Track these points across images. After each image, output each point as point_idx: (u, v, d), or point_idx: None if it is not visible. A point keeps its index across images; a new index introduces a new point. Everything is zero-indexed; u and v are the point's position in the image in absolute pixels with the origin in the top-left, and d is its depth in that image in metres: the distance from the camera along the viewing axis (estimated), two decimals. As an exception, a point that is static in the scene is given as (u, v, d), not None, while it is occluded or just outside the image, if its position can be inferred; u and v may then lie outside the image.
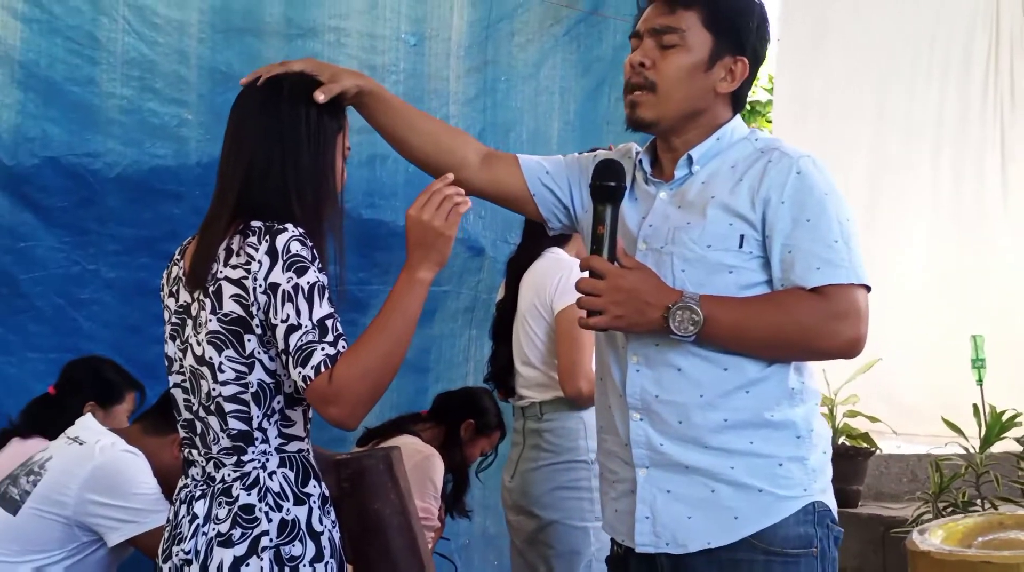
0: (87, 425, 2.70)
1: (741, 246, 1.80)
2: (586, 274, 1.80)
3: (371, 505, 2.25)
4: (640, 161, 1.95)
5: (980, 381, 3.95)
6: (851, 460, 3.95)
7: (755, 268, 1.81)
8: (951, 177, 4.89)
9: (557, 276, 2.92)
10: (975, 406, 3.75)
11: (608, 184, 1.82)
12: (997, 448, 3.80)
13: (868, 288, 1.79)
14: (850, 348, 1.78)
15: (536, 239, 2.95)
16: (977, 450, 3.66)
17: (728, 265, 1.80)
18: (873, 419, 4.04)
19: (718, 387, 1.80)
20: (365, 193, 3.71)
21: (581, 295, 1.80)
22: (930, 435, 4.28)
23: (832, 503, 1.87)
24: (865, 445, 3.98)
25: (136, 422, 2.93)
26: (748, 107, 9.09)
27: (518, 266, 3.09)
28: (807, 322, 1.76)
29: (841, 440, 3.98)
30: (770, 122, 6.27)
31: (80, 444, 2.62)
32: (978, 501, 3.50)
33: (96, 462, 2.56)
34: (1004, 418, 3.69)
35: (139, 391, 3.06)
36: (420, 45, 3.86)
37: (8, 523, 2.53)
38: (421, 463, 3.07)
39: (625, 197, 1.90)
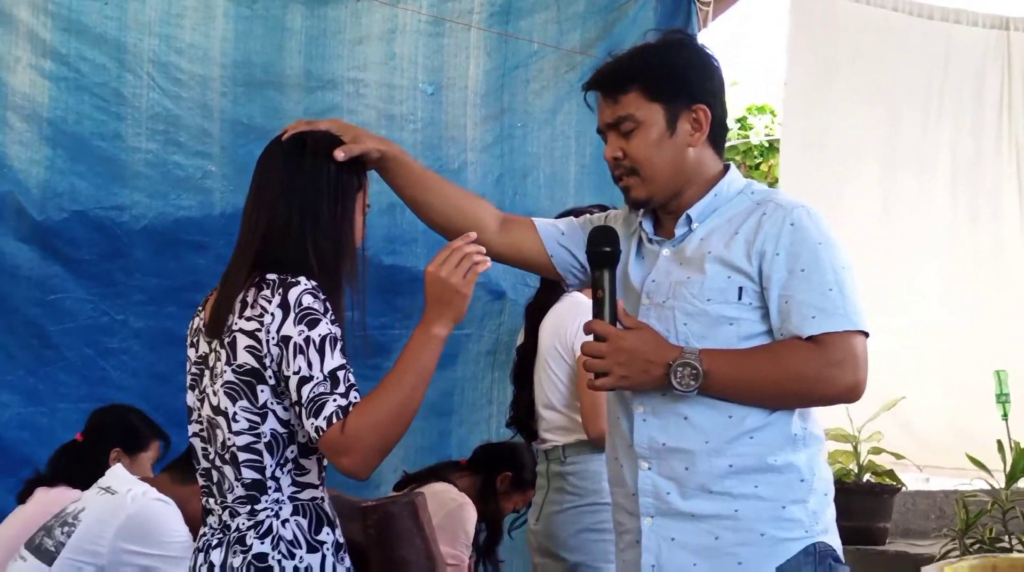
0: (118, 475, 2.74)
1: (740, 298, 1.85)
2: (590, 337, 1.86)
3: (397, 552, 2.28)
4: (641, 223, 2.00)
5: (1005, 416, 3.93)
6: (877, 497, 3.93)
7: (756, 319, 1.85)
8: (967, 213, 4.88)
9: (577, 318, 2.95)
10: (999, 442, 3.73)
11: (603, 250, 1.89)
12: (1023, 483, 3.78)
13: (866, 334, 1.82)
14: (848, 394, 1.82)
15: (554, 283, 2.99)
16: (1003, 486, 3.64)
17: (729, 317, 1.85)
18: (898, 456, 4.02)
19: (723, 434, 1.84)
20: (386, 239, 3.76)
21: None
22: (956, 468, 4.26)
23: (835, 542, 1.89)
24: (891, 482, 3.96)
25: (164, 472, 2.97)
26: (767, 144, 9.13)
27: (537, 310, 3.12)
28: (804, 371, 1.80)
29: (867, 477, 3.96)
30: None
31: (112, 494, 2.66)
32: (1005, 537, 3.48)
33: (129, 511, 2.60)
34: (1030, 454, 3.67)
35: (164, 440, 3.11)
36: (437, 94, 3.93)
37: (44, 574, 2.58)
38: (455, 511, 3.09)
39: (632, 256, 1.99)
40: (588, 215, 2.16)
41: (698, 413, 1.84)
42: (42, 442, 3.13)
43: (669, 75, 1.92)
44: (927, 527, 4.21)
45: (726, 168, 1.98)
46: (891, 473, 3.97)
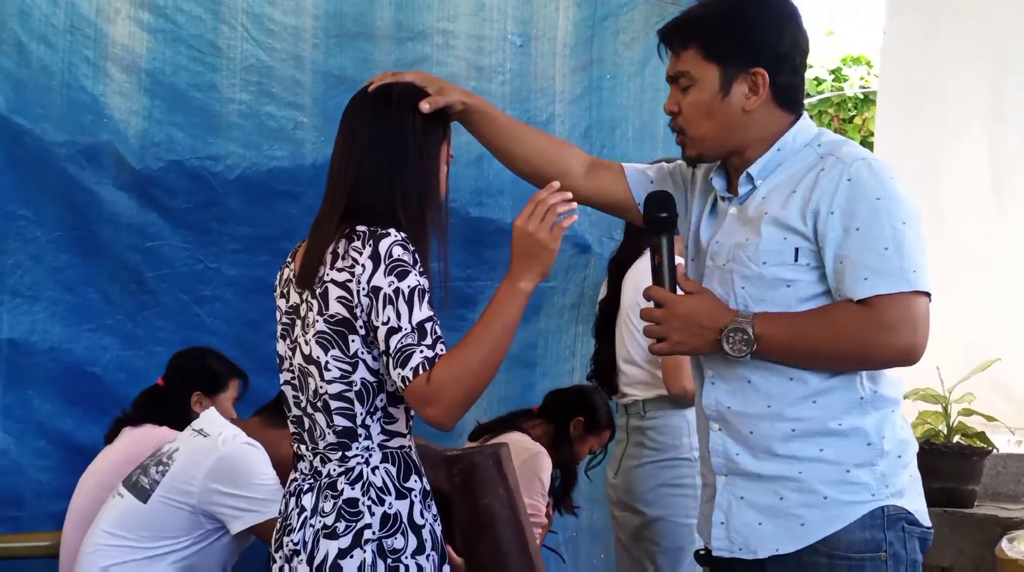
0: (211, 418, 2.83)
1: (796, 259, 1.81)
2: (650, 304, 1.86)
3: (481, 500, 2.33)
4: (712, 180, 1.97)
5: (1104, 380, 3.82)
6: (966, 459, 3.86)
7: (813, 280, 1.82)
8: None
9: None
10: (1096, 406, 3.63)
11: (660, 215, 1.89)
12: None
13: (926, 293, 1.77)
14: (904, 357, 1.78)
15: (638, 237, 2.98)
16: (1098, 451, 3.54)
17: (786, 279, 1.82)
18: (990, 418, 3.94)
19: (785, 398, 1.83)
20: (473, 191, 3.78)
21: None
22: (1051, 432, 4.16)
23: (914, 505, 1.86)
24: (981, 444, 3.88)
25: (256, 415, 3.06)
26: (861, 96, 8.90)
27: (620, 264, 3.12)
28: (855, 336, 1.77)
29: (956, 439, 3.90)
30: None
31: (204, 436, 2.76)
32: (1098, 504, 3.39)
33: (219, 453, 2.69)
34: None
35: (242, 379, 3.19)
36: (526, 45, 3.91)
37: (139, 510, 2.69)
38: (529, 460, 3.13)
39: (705, 213, 1.97)
40: (680, 162, 2.10)
41: (761, 377, 1.84)
42: (139, 384, 3.23)
43: (730, 36, 1.86)
44: (1018, 491, 4.12)
45: (796, 120, 1.91)
46: (982, 435, 3.89)
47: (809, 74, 9.32)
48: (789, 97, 1.90)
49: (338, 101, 2.01)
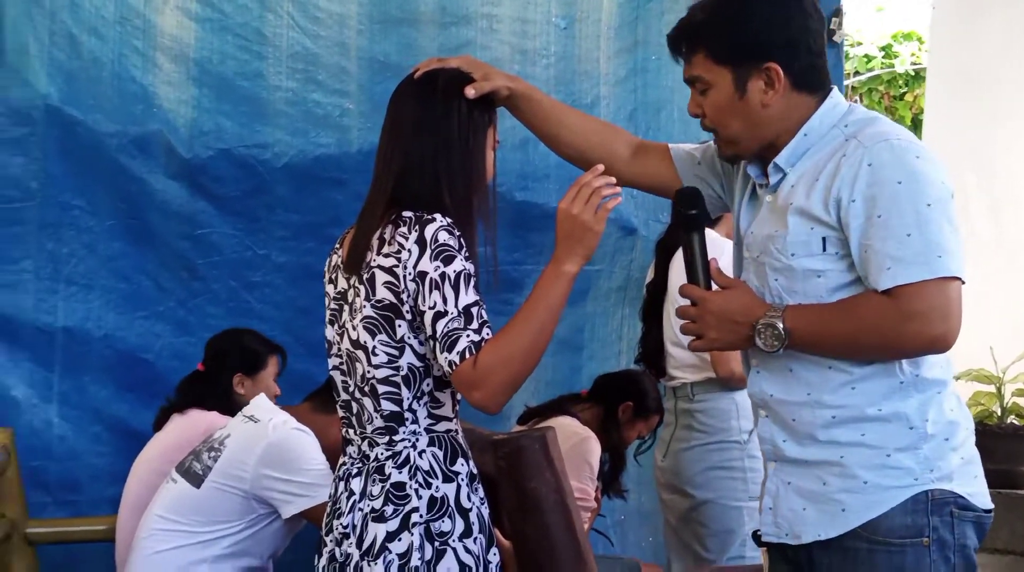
0: (260, 405, 2.87)
1: (824, 250, 1.78)
2: (686, 302, 1.86)
3: (527, 484, 2.33)
4: (747, 168, 1.94)
5: None
6: (1021, 440, 3.81)
7: (843, 269, 1.79)
8: None
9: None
10: None
11: (689, 213, 1.87)
12: None
13: (956, 278, 1.72)
14: (934, 345, 1.75)
15: (685, 220, 2.96)
16: None
17: (816, 270, 1.80)
18: (1044, 398, 3.88)
19: (824, 385, 1.81)
20: (519, 175, 3.77)
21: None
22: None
23: (968, 489, 1.82)
24: (1035, 425, 3.83)
25: (306, 401, 3.09)
26: (912, 73, 8.77)
27: (667, 247, 3.11)
28: (879, 327, 1.74)
29: (1010, 420, 3.84)
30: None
31: (255, 422, 2.79)
32: None
33: (270, 439, 2.73)
34: None
35: (280, 354, 3.21)
36: (570, 28, 3.89)
37: (192, 496, 2.73)
38: (578, 445, 3.13)
39: (744, 201, 1.95)
40: None
41: (801, 365, 1.83)
42: (190, 370, 3.25)
43: (735, 36, 1.81)
44: (1073, 473, 4.05)
45: (824, 100, 1.86)
46: (1036, 416, 3.84)
47: (859, 51, 9.19)
48: (809, 80, 1.85)
49: (383, 87, 2.03)
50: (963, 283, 1.75)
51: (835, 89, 1.89)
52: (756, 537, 1.94)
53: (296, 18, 3.62)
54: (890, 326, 1.73)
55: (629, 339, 3.92)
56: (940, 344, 1.75)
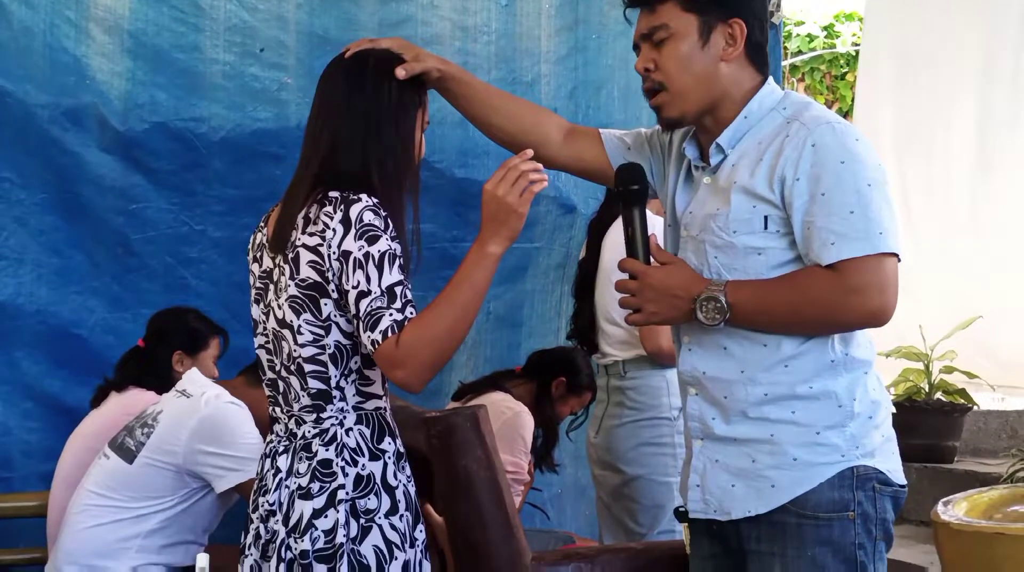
0: (193, 379, 2.86)
1: (766, 227, 1.83)
2: (625, 275, 1.89)
3: (459, 462, 2.35)
4: (684, 150, 1.98)
5: (1084, 337, 3.86)
6: (947, 416, 3.92)
7: (784, 246, 1.84)
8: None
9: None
10: (1073, 363, 3.67)
11: (631, 187, 1.91)
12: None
13: (894, 254, 1.79)
14: (873, 318, 1.80)
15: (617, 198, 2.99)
16: (1076, 408, 3.59)
17: (756, 247, 1.84)
18: (971, 375, 3.99)
19: (758, 363, 1.85)
20: (459, 153, 3.77)
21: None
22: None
23: (886, 465, 1.88)
24: (962, 401, 3.93)
25: (240, 375, 3.09)
26: (853, 54, 8.85)
27: (600, 225, 3.13)
28: (823, 300, 1.79)
29: (937, 396, 3.95)
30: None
31: (187, 397, 2.78)
32: (1074, 460, 3.44)
33: (203, 413, 2.72)
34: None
35: (223, 336, 3.20)
36: (511, 5, 3.89)
37: (125, 471, 2.72)
38: (512, 420, 3.16)
39: (680, 182, 1.98)
40: (657, 128, 2.10)
41: (736, 343, 1.87)
42: (125, 346, 3.22)
43: None
44: (998, 446, 4.18)
45: (762, 84, 1.93)
46: (963, 392, 3.94)
47: (801, 30, 9.27)
48: (759, 56, 1.93)
49: (323, 62, 2.01)
50: (899, 261, 1.81)
51: (771, 77, 1.95)
52: (679, 513, 1.99)
53: (234, -10, 3.57)
54: (833, 299, 1.79)
55: (567, 316, 3.91)
56: (878, 317, 1.80)
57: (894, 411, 1.98)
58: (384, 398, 1.90)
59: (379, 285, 1.74)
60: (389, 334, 1.73)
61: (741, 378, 1.87)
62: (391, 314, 1.74)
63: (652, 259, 1.89)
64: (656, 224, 2.57)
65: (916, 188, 4.83)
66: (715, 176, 1.92)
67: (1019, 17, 4.69)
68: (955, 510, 2.02)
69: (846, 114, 8.90)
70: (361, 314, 1.75)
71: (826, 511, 1.84)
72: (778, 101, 1.92)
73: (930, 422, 3.84)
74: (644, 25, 1.93)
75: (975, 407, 3.99)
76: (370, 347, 1.75)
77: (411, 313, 1.76)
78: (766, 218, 1.83)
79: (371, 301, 1.74)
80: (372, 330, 1.74)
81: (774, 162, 1.83)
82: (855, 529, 1.84)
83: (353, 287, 1.75)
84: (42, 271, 3.40)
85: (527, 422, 3.16)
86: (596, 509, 3.30)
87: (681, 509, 1.98)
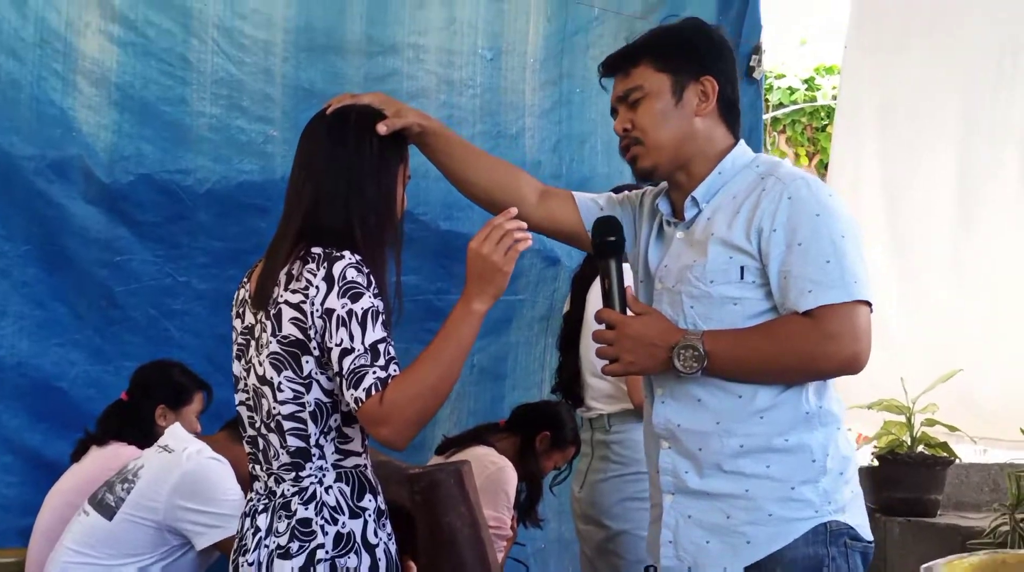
0: (176, 434, 2.84)
1: (742, 277, 1.88)
2: (602, 326, 1.91)
3: (443, 518, 2.34)
4: (658, 205, 2.04)
5: (1065, 390, 3.87)
6: (929, 469, 3.91)
7: (760, 297, 1.88)
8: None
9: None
10: (1054, 417, 3.68)
11: (608, 240, 1.95)
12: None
13: (867, 303, 1.84)
14: (848, 365, 1.84)
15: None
16: (1058, 461, 3.59)
17: (732, 297, 1.88)
18: (952, 428, 3.99)
19: (733, 414, 1.88)
20: (443, 205, 3.79)
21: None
22: (1013, 440, 4.21)
23: (856, 521, 1.91)
24: (944, 454, 3.93)
25: (222, 430, 3.08)
26: (834, 106, 8.96)
27: (584, 278, 3.15)
28: (801, 347, 1.83)
29: (920, 449, 3.94)
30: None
31: (169, 452, 2.76)
32: (1057, 514, 3.44)
33: (184, 469, 2.70)
34: (1085, 429, 3.61)
35: (207, 391, 3.20)
36: (497, 59, 3.94)
37: (105, 528, 2.69)
38: (495, 474, 3.15)
39: (652, 238, 2.02)
40: (627, 192, 2.18)
41: (710, 395, 1.89)
42: (107, 399, 3.22)
43: (677, 47, 1.98)
44: (980, 500, 4.17)
45: (735, 145, 2.00)
46: (944, 445, 3.94)
47: (782, 83, 9.37)
48: (731, 115, 2.00)
49: (308, 115, 2.04)
50: (872, 310, 1.86)
51: (742, 141, 2.02)
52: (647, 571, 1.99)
53: (221, 44, 3.61)
54: (810, 345, 1.83)
55: (551, 368, 3.92)
56: (853, 364, 1.84)
57: (872, 464, 2.01)
58: (364, 455, 1.90)
59: (362, 343, 1.75)
60: (373, 392, 1.73)
61: (716, 430, 1.88)
62: (375, 372, 1.74)
63: (628, 310, 1.92)
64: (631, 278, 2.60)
65: (897, 240, 4.86)
66: (689, 230, 1.97)
67: (996, 68, 4.76)
68: (938, 574, 2.02)
69: (826, 166, 8.98)
70: (344, 372, 1.75)
71: (802, 567, 1.85)
72: (751, 159, 1.99)
73: (913, 476, 3.83)
74: (620, 88, 1.99)
75: (957, 460, 4.00)
76: (353, 405, 1.75)
77: (395, 370, 1.76)
78: (742, 268, 1.87)
79: (354, 359, 1.74)
80: (355, 388, 1.74)
81: (751, 214, 1.88)
82: None
83: (336, 345, 1.75)
84: (24, 323, 3.39)
85: (511, 477, 3.14)
86: (580, 564, 3.27)
87: (650, 568, 1.99)
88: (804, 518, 1.85)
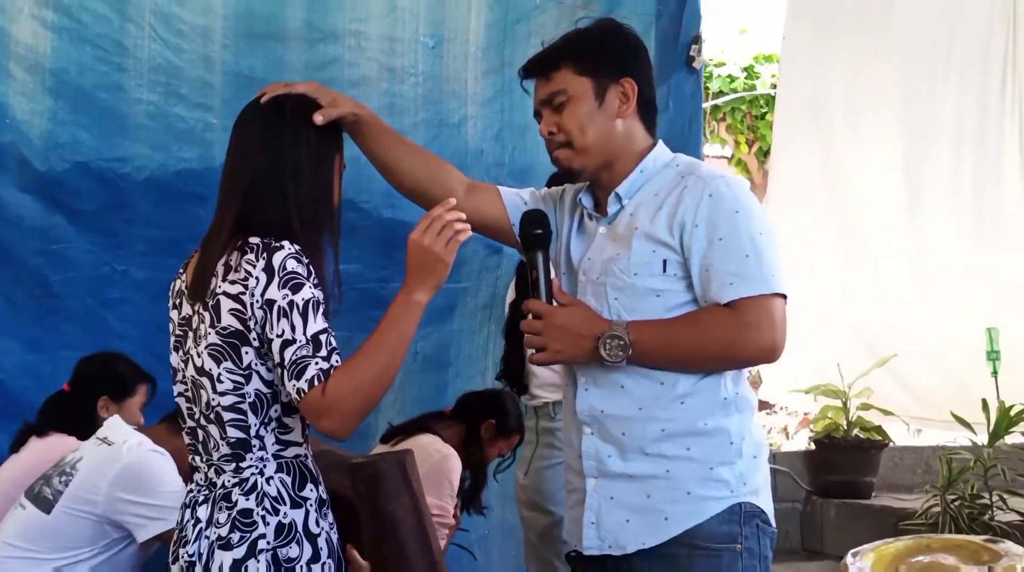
0: (115, 426, 2.81)
1: (665, 270, 1.94)
2: (530, 316, 1.96)
3: (386, 507, 2.34)
4: (580, 200, 2.09)
5: (995, 373, 3.99)
6: (864, 452, 4.01)
7: (680, 289, 1.95)
8: (971, 175, 4.89)
9: (567, 276, 3.00)
10: (984, 401, 3.79)
11: (535, 232, 2.00)
12: (1010, 440, 3.84)
13: (783, 296, 1.92)
14: (767, 354, 1.93)
15: (545, 241, 3.02)
16: (987, 443, 3.70)
17: (655, 289, 1.95)
18: (886, 412, 4.09)
19: (655, 400, 1.95)
20: (385, 194, 3.68)
21: None
22: (945, 422, 4.32)
23: (766, 505, 1.99)
24: (878, 438, 4.03)
25: (161, 422, 3.04)
26: (773, 95, 9.05)
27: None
28: (722, 336, 1.91)
29: (855, 433, 4.03)
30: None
31: (109, 444, 2.73)
32: (986, 494, 3.54)
33: (125, 461, 2.68)
34: (1012, 412, 3.73)
35: (150, 383, 3.16)
36: (438, 47, 3.93)
37: (42, 521, 2.65)
38: (439, 462, 3.16)
39: (574, 233, 2.08)
40: (547, 189, 2.23)
41: (633, 382, 1.95)
42: (44, 390, 3.16)
43: (596, 51, 2.03)
44: (913, 481, 4.28)
45: (654, 145, 2.07)
46: (879, 429, 4.04)
47: (722, 71, 9.46)
48: (648, 115, 2.07)
49: (248, 102, 2.02)
50: (786, 302, 1.94)
51: (660, 141, 2.09)
52: (570, 558, 2.04)
53: (158, 30, 3.56)
54: (730, 334, 1.90)
55: (495, 356, 3.95)
56: (772, 353, 1.92)
57: (809, 448, 2.08)
58: (305, 445, 1.90)
59: (304, 333, 1.74)
60: (315, 383, 1.73)
61: (639, 415, 1.95)
62: (317, 363, 1.74)
63: (555, 301, 1.96)
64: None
65: (831, 228, 4.95)
66: (612, 226, 2.03)
67: (930, 65, 4.86)
68: (863, 562, 2.07)
69: (766, 154, 9.09)
70: (286, 363, 1.74)
71: (716, 543, 1.93)
72: (670, 159, 2.06)
73: (848, 458, 3.93)
74: (543, 92, 2.04)
75: (891, 443, 4.09)
76: (295, 396, 1.75)
77: (336, 361, 1.76)
78: (665, 262, 1.94)
79: (296, 350, 1.74)
80: (297, 379, 1.74)
81: (674, 210, 1.95)
82: (742, 562, 1.94)
83: (277, 336, 1.75)
84: (-42, 313, 3.33)
85: (455, 466, 3.16)
86: (524, 550, 3.30)
87: (572, 554, 2.03)
88: (720, 497, 1.93)
